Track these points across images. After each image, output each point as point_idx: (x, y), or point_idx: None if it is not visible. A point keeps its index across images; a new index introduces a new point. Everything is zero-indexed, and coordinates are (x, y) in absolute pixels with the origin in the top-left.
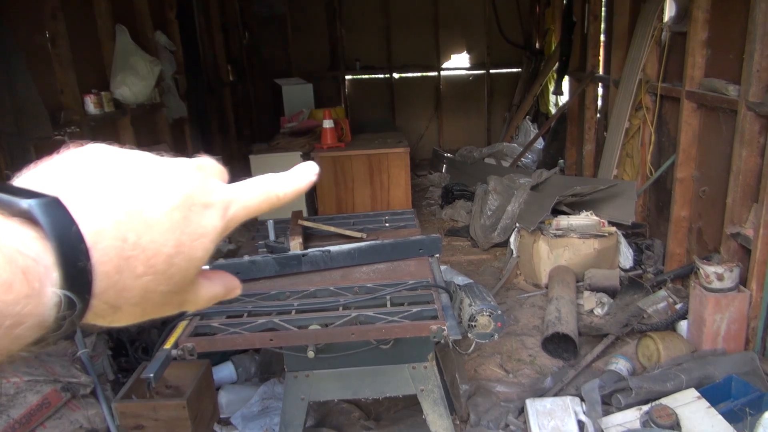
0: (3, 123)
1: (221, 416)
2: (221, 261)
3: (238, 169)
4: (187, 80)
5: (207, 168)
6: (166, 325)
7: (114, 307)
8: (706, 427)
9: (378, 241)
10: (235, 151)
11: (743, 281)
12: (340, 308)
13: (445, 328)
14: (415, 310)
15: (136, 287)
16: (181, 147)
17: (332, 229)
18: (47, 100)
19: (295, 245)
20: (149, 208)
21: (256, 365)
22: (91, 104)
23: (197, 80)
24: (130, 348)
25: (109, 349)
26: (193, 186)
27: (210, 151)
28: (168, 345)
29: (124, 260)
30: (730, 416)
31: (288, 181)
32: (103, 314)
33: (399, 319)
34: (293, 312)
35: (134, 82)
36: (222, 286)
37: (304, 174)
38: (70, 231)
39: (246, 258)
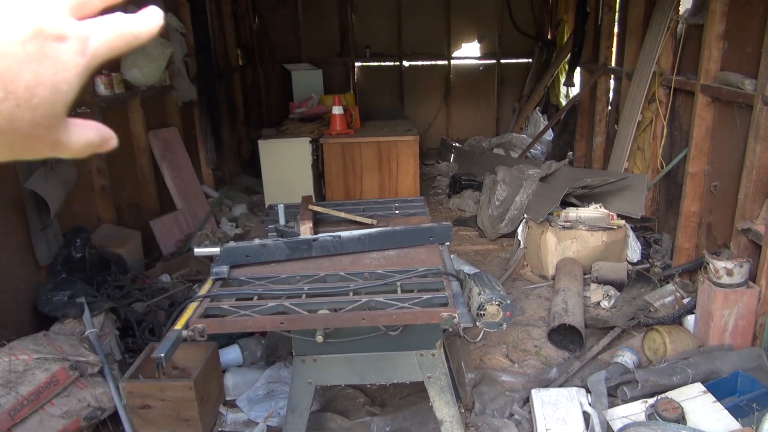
0: None
1: (227, 398)
2: (232, 244)
3: (247, 154)
4: (197, 64)
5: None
6: (174, 306)
7: None
8: (712, 421)
9: (389, 228)
10: (244, 136)
11: (752, 277)
12: (351, 293)
13: (455, 315)
14: (425, 297)
15: (0, 112)
16: (189, 131)
17: (342, 214)
18: None
19: (306, 230)
20: (2, 40)
21: (262, 349)
22: (101, 85)
23: (207, 64)
24: (137, 329)
25: (116, 330)
26: (42, 19)
27: (219, 135)
28: (178, 326)
29: None
30: (736, 411)
31: (140, 21)
32: None
33: (409, 306)
34: (303, 296)
35: (145, 63)
36: (96, 133)
37: (152, 16)
38: None
39: (257, 241)
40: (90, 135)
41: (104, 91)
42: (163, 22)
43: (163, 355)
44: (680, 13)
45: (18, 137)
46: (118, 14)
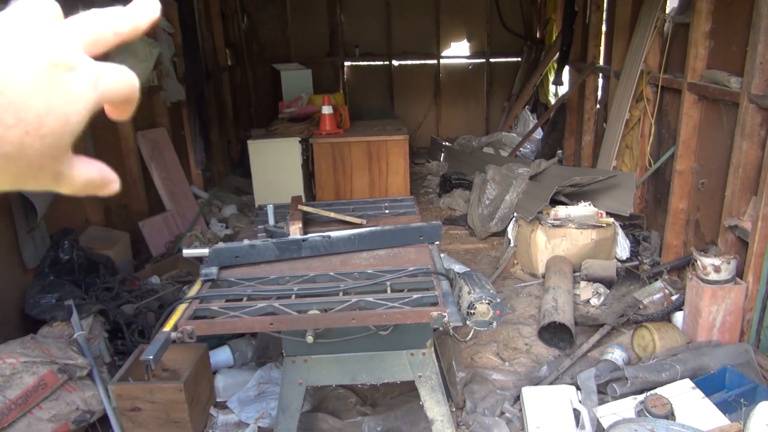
0: None
1: (218, 400)
2: (221, 245)
3: (236, 154)
4: (185, 64)
5: (64, 33)
6: (163, 308)
7: None
8: (701, 417)
9: (378, 228)
10: (233, 136)
11: (740, 273)
12: (340, 293)
13: (445, 314)
14: (415, 296)
15: (9, 138)
16: (178, 131)
17: (332, 214)
18: None
19: (295, 230)
20: (14, 68)
21: (252, 350)
22: None
23: (195, 64)
24: (127, 331)
25: (105, 332)
26: (57, 51)
27: (208, 135)
28: (167, 328)
29: None
30: (724, 407)
31: (138, 13)
32: None
33: (399, 305)
34: (293, 296)
35: (133, 64)
36: (99, 173)
37: (148, 6)
38: None
39: (246, 242)
40: (92, 173)
41: None
42: (159, 13)
43: (151, 357)
44: (667, 11)
45: (23, 165)
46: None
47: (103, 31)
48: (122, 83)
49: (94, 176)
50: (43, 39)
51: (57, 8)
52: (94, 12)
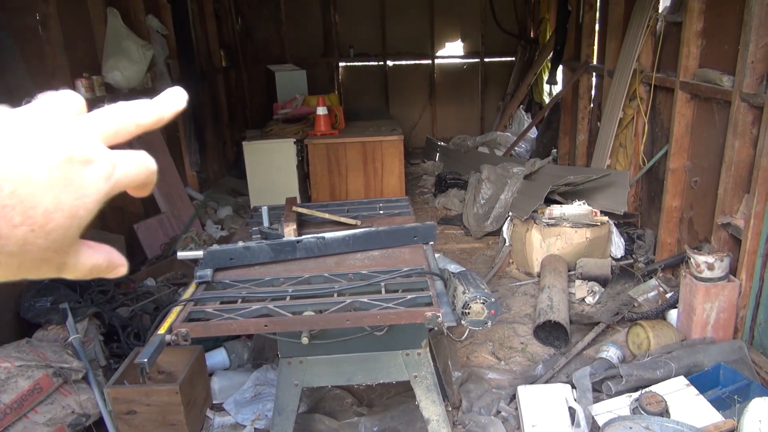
0: None
1: (214, 402)
2: (215, 247)
3: (231, 155)
4: (180, 66)
5: (86, 124)
6: (159, 310)
7: None
8: (695, 414)
9: (373, 228)
10: (228, 138)
11: (733, 271)
12: (335, 294)
13: (439, 314)
14: (409, 296)
15: (14, 237)
16: (172, 133)
17: (326, 216)
18: (38, 84)
19: (290, 232)
20: (28, 164)
21: (248, 351)
22: (82, 88)
23: (190, 66)
24: (122, 334)
25: (100, 335)
26: (74, 145)
27: (203, 137)
28: (162, 330)
29: (0, 208)
30: (719, 403)
31: (164, 105)
32: None
33: (394, 306)
34: (288, 298)
35: (126, 66)
36: (105, 258)
37: (174, 98)
38: None
39: (240, 244)
40: (99, 260)
41: (85, 94)
42: (185, 104)
43: (146, 360)
44: (659, 11)
45: (26, 260)
46: (142, 102)
47: (125, 123)
48: (138, 171)
49: (101, 262)
50: (60, 132)
51: (81, 101)
52: (118, 105)
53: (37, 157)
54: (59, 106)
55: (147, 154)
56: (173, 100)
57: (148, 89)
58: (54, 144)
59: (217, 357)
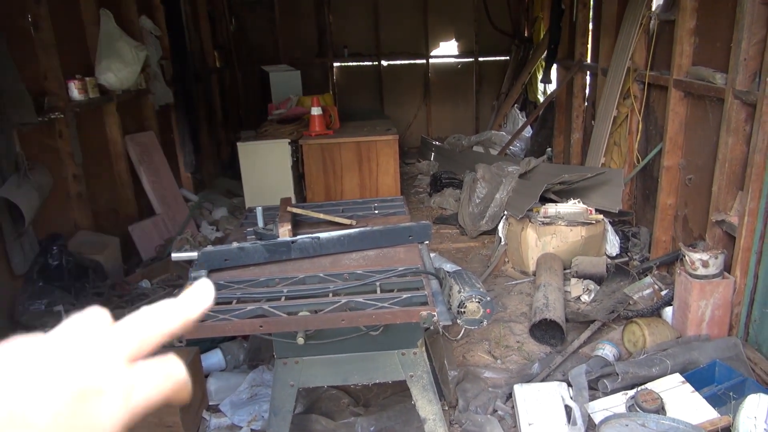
0: None
1: (210, 403)
2: (210, 248)
3: (226, 156)
4: (174, 67)
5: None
6: None
7: None
8: (691, 410)
9: (368, 228)
10: (223, 138)
11: (728, 268)
12: (330, 294)
13: (435, 314)
14: (405, 296)
15: None
16: (167, 134)
17: (321, 216)
18: (30, 86)
19: (284, 232)
20: (32, 410)
21: (244, 352)
22: (75, 90)
23: (184, 67)
24: None
25: None
26: (86, 378)
27: (197, 138)
28: None
29: None
30: (714, 400)
31: (191, 308)
32: None
33: (389, 306)
34: (283, 298)
35: (120, 67)
36: None
37: (201, 297)
38: None
39: (235, 245)
40: None
41: (78, 96)
42: (212, 301)
43: None
44: (653, 9)
45: None
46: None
47: (151, 336)
48: (163, 386)
49: None
50: (74, 364)
51: (106, 317)
52: (144, 314)
53: (44, 397)
54: (81, 330)
55: (175, 359)
56: (200, 300)
57: (141, 90)
58: (65, 379)
59: (213, 358)
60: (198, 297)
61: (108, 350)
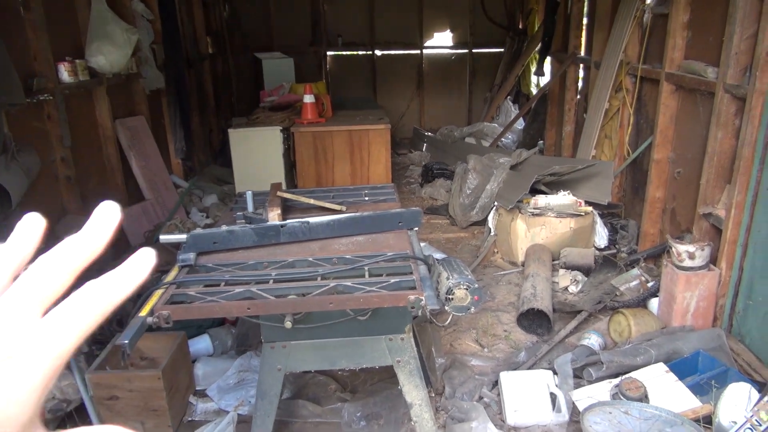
0: None
1: (197, 388)
2: (199, 231)
3: (217, 143)
4: (165, 51)
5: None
6: (141, 295)
7: None
8: (674, 399)
9: (357, 213)
10: (214, 125)
11: (713, 260)
12: (319, 278)
13: (423, 298)
14: (393, 280)
15: None
16: (158, 119)
17: (311, 201)
18: (19, 67)
19: (274, 217)
20: None
21: (232, 338)
22: (65, 72)
23: (175, 52)
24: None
25: None
26: None
27: (188, 124)
28: (143, 313)
29: None
30: (697, 389)
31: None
32: None
33: (377, 290)
34: (271, 282)
35: (110, 50)
36: None
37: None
38: None
39: (224, 228)
40: None
41: (68, 78)
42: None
43: (127, 341)
44: (647, 2)
45: None
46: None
47: (58, 281)
48: (87, 319)
49: None
50: None
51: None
52: (46, 260)
53: None
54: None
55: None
56: (106, 221)
57: (132, 74)
58: None
59: (201, 343)
60: (103, 219)
61: (8, 311)
